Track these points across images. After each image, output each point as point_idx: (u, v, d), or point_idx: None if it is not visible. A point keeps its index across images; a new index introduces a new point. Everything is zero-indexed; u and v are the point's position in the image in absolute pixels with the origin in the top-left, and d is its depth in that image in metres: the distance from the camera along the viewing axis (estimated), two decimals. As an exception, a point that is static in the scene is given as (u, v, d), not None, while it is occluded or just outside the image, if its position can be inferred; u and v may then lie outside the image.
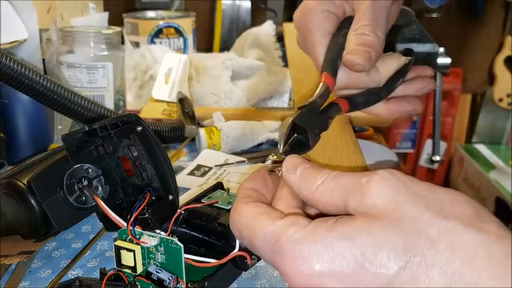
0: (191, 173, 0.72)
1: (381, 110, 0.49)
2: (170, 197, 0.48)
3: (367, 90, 0.47)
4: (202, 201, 0.47)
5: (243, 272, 0.47)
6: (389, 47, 0.79)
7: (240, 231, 0.32)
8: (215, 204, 0.45)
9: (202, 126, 0.83)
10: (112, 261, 0.45)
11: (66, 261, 0.52)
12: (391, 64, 0.47)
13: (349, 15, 0.48)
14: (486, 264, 0.25)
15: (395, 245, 0.26)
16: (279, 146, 0.37)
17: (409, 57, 0.49)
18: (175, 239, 0.42)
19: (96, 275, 0.49)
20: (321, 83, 0.42)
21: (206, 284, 0.42)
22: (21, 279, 0.49)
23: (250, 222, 0.32)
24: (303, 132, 0.38)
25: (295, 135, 0.38)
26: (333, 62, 0.44)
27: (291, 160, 0.34)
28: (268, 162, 0.36)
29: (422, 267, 0.25)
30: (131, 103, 0.97)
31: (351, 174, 0.30)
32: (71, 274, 0.50)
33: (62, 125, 0.81)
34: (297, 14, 0.49)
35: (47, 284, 0.48)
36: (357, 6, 0.46)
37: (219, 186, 0.49)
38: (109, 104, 0.83)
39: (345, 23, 0.47)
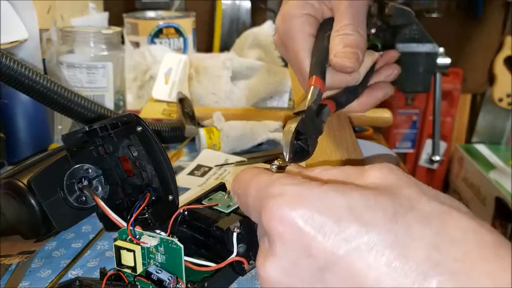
0: (191, 173, 0.72)
1: (354, 106, 0.49)
2: (170, 197, 0.48)
3: (346, 89, 0.48)
4: (203, 202, 0.47)
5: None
6: (390, 47, 0.79)
7: (239, 183, 0.32)
8: (215, 207, 0.45)
9: (202, 126, 0.83)
10: (112, 261, 0.45)
11: (66, 261, 0.52)
12: (367, 61, 0.48)
13: (327, 16, 0.48)
14: (476, 247, 0.24)
15: (385, 208, 0.26)
16: (284, 154, 0.37)
17: (381, 52, 0.50)
18: (176, 240, 0.42)
19: (96, 275, 0.49)
20: (313, 87, 0.43)
21: (206, 285, 0.42)
22: (21, 279, 0.49)
23: (250, 175, 0.32)
24: (303, 139, 0.39)
25: (295, 141, 0.39)
26: (320, 65, 0.44)
27: (294, 166, 0.35)
28: (273, 167, 0.36)
29: (408, 238, 0.25)
30: (131, 103, 0.97)
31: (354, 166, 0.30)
32: (71, 274, 0.50)
33: (62, 125, 0.81)
34: (278, 21, 0.49)
35: (47, 283, 0.48)
36: (336, 7, 0.46)
37: (221, 187, 0.49)
38: (109, 104, 0.83)
39: (325, 25, 0.47)
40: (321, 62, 0.45)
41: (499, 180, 1.66)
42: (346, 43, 0.44)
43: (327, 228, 0.26)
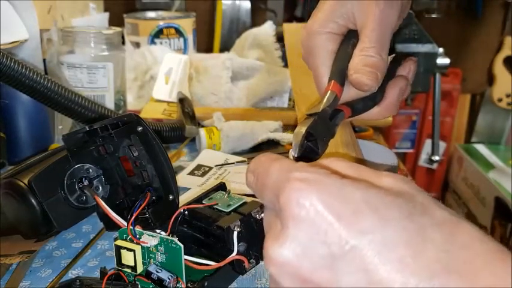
0: (191, 173, 0.72)
1: (374, 113, 0.50)
2: (170, 197, 0.48)
3: (364, 97, 0.48)
4: (203, 202, 0.47)
5: (242, 272, 0.47)
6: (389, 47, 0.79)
7: (260, 162, 0.32)
8: (215, 207, 0.45)
9: (202, 126, 0.83)
10: (112, 261, 0.45)
11: (66, 260, 0.52)
12: None
13: (353, 28, 0.48)
14: (483, 253, 0.25)
15: (400, 207, 0.26)
16: (293, 153, 0.38)
17: (393, 55, 0.49)
18: (175, 239, 0.42)
19: (97, 274, 0.49)
20: (330, 91, 0.43)
21: (206, 284, 0.42)
22: (21, 278, 0.49)
23: (274, 157, 0.32)
24: (313, 140, 0.39)
25: (305, 142, 0.39)
26: (341, 71, 0.45)
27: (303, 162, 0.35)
28: None
29: (420, 238, 0.26)
30: (132, 103, 0.97)
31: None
32: (72, 274, 0.50)
33: (63, 125, 0.81)
34: (302, 35, 0.50)
35: (47, 283, 0.48)
36: (362, 25, 0.46)
37: (221, 187, 0.49)
38: (109, 104, 0.83)
39: (351, 35, 0.47)
40: (341, 69, 0.45)
41: (498, 180, 1.66)
42: (366, 63, 0.44)
43: (344, 218, 0.26)
